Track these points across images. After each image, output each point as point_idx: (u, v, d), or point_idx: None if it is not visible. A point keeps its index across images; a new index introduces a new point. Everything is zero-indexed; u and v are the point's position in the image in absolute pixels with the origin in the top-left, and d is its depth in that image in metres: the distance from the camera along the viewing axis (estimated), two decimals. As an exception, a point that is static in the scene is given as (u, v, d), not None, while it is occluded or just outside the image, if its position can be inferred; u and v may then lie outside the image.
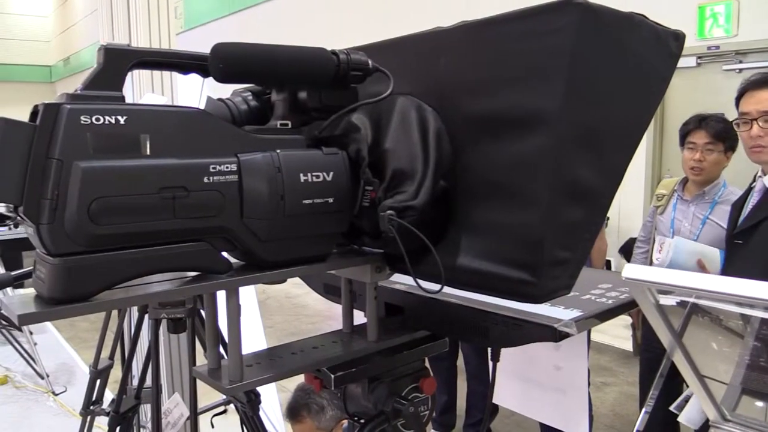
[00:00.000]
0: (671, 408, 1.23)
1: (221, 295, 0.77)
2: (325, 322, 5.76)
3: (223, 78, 0.73)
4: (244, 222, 0.72)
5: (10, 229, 4.44)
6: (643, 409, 1.46)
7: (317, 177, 0.76)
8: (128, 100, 0.69)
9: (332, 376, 0.86)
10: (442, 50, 0.82)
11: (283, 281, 0.80)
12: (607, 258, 3.85)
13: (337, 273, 0.92)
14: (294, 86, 0.81)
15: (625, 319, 3.82)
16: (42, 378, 4.32)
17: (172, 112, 0.70)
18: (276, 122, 0.80)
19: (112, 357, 2.46)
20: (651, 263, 2.75)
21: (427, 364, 0.98)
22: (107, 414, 2.16)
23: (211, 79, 0.76)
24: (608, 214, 0.85)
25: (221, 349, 0.85)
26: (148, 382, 1.98)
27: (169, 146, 0.67)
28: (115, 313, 2.49)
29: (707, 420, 1.07)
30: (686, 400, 1.26)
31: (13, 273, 1.20)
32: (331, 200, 0.78)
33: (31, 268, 0.70)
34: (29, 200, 0.61)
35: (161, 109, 0.69)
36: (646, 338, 2.82)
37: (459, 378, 3.39)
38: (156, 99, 3.09)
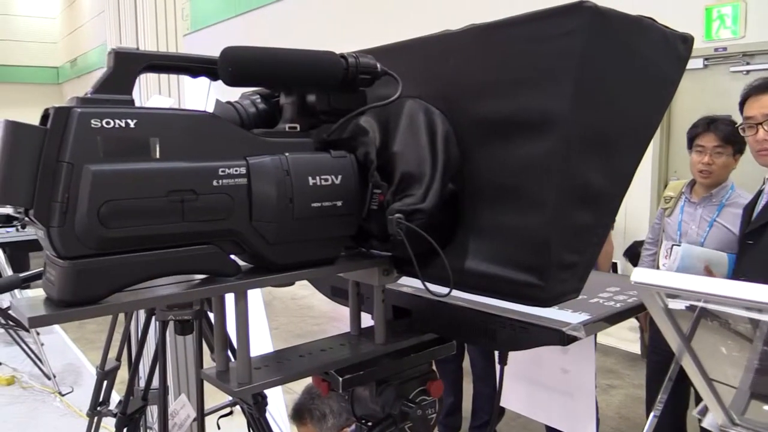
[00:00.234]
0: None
1: (229, 298, 0.77)
2: (331, 323, 5.76)
3: (232, 82, 0.73)
4: (252, 225, 0.72)
5: (17, 230, 4.46)
6: (652, 414, 1.46)
7: (326, 180, 0.76)
8: (135, 101, 0.69)
9: (340, 379, 0.86)
10: (450, 53, 0.82)
11: (292, 284, 0.81)
12: (613, 260, 3.84)
13: (344, 276, 0.92)
14: (303, 89, 0.81)
15: (631, 322, 3.81)
16: (49, 378, 4.34)
17: (182, 116, 0.70)
18: (284, 125, 0.80)
19: (119, 358, 2.47)
20: (658, 266, 2.74)
21: (434, 366, 0.98)
22: (114, 415, 2.17)
23: (219, 81, 0.76)
24: (614, 217, 0.85)
25: (228, 352, 0.85)
26: (155, 383, 1.99)
27: (179, 149, 0.67)
28: (122, 314, 2.49)
29: None
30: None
31: (21, 275, 1.20)
32: (339, 203, 0.78)
33: (40, 269, 0.71)
34: (40, 203, 0.62)
35: (171, 113, 0.69)
36: (653, 341, 2.81)
37: (465, 380, 3.39)
38: (163, 101, 3.10)
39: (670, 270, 2.52)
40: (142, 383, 2.28)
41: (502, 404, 1.29)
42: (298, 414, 2.05)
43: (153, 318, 2.01)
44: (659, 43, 0.80)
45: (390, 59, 0.84)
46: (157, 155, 0.66)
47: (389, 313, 0.97)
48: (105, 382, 2.39)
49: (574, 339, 0.82)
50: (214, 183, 0.69)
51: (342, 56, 0.80)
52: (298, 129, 0.80)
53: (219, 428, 2.26)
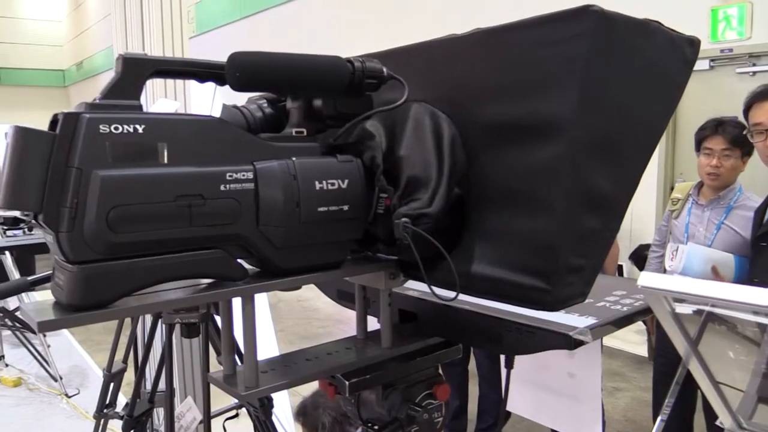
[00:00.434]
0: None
1: (236, 302, 0.78)
2: (336, 325, 5.76)
3: (239, 87, 0.73)
4: (259, 229, 0.73)
5: (24, 232, 4.48)
6: (659, 417, 1.45)
7: (332, 184, 0.77)
8: (142, 105, 0.70)
9: (347, 382, 0.86)
10: (456, 57, 0.82)
11: (298, 288, 0.81)
12: (619, 263, 3.83)
13: (351, 280, 0.92)
14: (309, 94, 0.81)
15: (637, 324, 3.80)
16: (55, 380, 4.36)
17: (189, 121, 0.70)
18: (291, 130, 0.80)
19: (125, 361, 2.48)
20: (665, 269, 2.73)
21: (440, 370, 0.98)
22: (121, 417, 2.18)
23: (225, 85, 0.77)
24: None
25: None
26: (162, 386, 2.00)
27: (187, 154, 0.68)
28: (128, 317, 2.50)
29: None
30: None
31: (30, 278, 1.21)
32: (346, 207, 0.78)
33: (48, 272, 0.71)
34: (49, 208, 0.62)
35: (178, 118, 0.70)
36: (660, 344, 2.80)
37: (470, 382, 3.39)
38: (169, 104, 3.11)
39: (676, 270, 2.51)
40: (149, 386, 2.29)
41: (508, 409, 1.29)
42: (299, 415, 2.06)
43: (160, 321, 2.02)
44: (665, 46, 0.80)
45: (396, 63, 0.85)
46: (165, 160, 0.66)
47: (395, 317, 0.97)
48: (112, 385, 2.40)
49: (581, 343, 0.82)
50: (222, 188, 0.69)
51: (348, 61, 0.80)
52: (305, 133, 0.80)
53: (225, 430, 2.26)
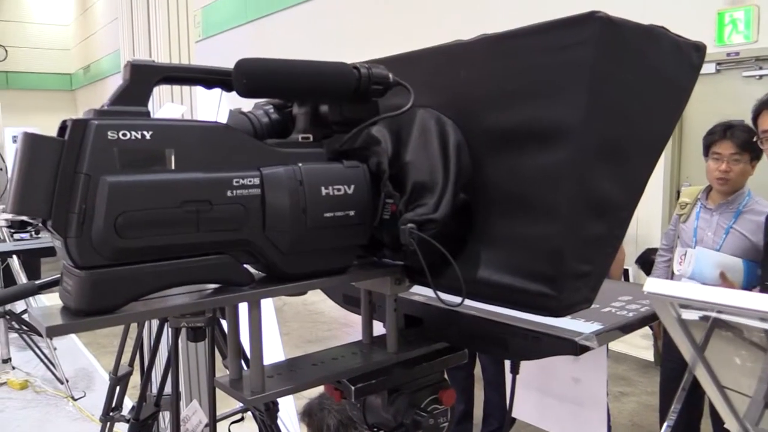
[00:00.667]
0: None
1: (243, 306, 0.78)
2: (342, 329, 5.77)
3: (246, 93, 0.74)
4: (266, 235, 0.73)
5: (31, 236, 4.50)
6: (666, 423, 1.45)
7: (338, 190, 0.77)
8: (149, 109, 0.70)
9: (352, 387, 0.86)
10: (462, 63, 0.82)
11: (304, 293, 0.81)
12: (625, 267, 3.82)
13: (357, 285, 0.92)
14: (316, 100, 0.82)
15: (643, 329, 3.78)
16: (62, 383, 4.37)
17: (196, 127, 0.71)
18: (298, 135, 0.81)
19: (131, 364, 2.49)
20: (672, 273, 2.73)
21: (445, 374, 0.98)
22: (127, 421, 2.19)
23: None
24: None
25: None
26: (168, 389, 2.00)
27: (194, 160, 0.68)
28: (134, 320, 2.51)
29: None
30: None
31: (37, 282, 1.22)
32: (352, 213, 0.78)
33: (55, 276, 0.72)
34: (57, 214, 0.63)
35: (186, 124, 0.70)
36: (667, 348, 2.79)
37: (476, 386, 3.38)
38: (175, 108, 3.12)
39: (685, 274, 2.51)
40: (155, 389, 2.30)
41: (513, 415, 1.29)
42: (304, 415, 2.06)
43: (166, 324, 2.02)
44: (671, 52, 0.80)
45: (401, 69, 0.85)
46: (173, 166, 0.67)
47: (401, 322, 0.97)
48: (118, 388, 2.41)
49: (587, 349, 0.82)
50: (229, 193, 0.70)
51: (354, 67, 0.80)
52: (311, 139, 0.81)
53: (230, 434, 2.27)
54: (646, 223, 4.91)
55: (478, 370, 3.33)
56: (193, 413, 2.05)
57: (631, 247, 4.10)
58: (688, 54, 0.82)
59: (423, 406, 0.91)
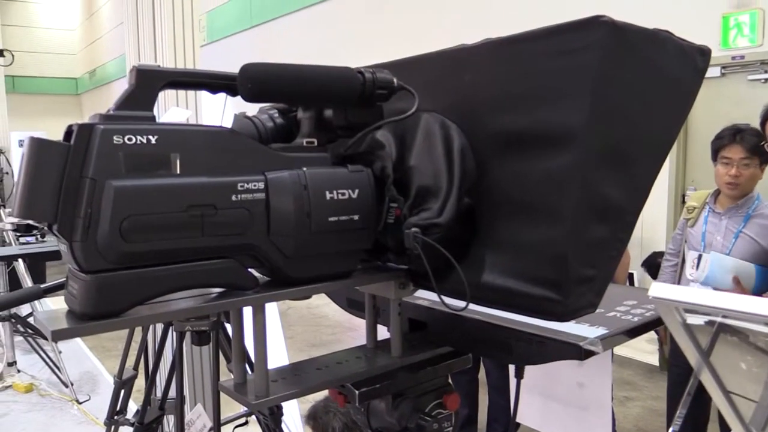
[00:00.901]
0: None
1: (247, 310, 0.78)
2: (346, 333, 5.76)
3: (251, 98, 0.74)
4: (270, 239, 0.73)
5: (37, 240, 4.52)
6: (671, 428, 1.44)
7: (343, 194, 0.77)
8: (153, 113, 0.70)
9: (357, 392, 0.86)
10: (466, 67, 0.83)
11: (309, 297, 0.81)
12: (630, 271, 3.81)
13: (361, 289, 0.92)
14: (320, 105, 0.82)
15: (649, 333, 3.77)
16: (66, 386, 4.38)
17: (201, 132, 0.71)
18: (302, 140, 0.81)
19: (136, 368, 2.49)
20: (680, 277, 2.71)
21: (449, 379, 0.98)
22: (131, 424, 2.19)
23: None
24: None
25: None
26: (172, 393, 2.00)
27: (199, 165, 0.68)
28: (139, 323, 2.52)
29: None
30: None
31: (43, 286, 1.22)
32: (356, 217, 0.78)
33: (61, 280, 0.72)
34: (63, 218, 0.63)
35: (191, 129, 0.71)
36: (673, 352, 2.78)
37: (480, 390, 3.37)
38: (181, 112, 3.13)
39: (698, 280, 2.49)
40: (159, 393, 2.30)
41: (517, 420, 1.28)
42: (309, 418, 2.06)
43: (170, 328, 2.03)
44: (676, 56, 0.80)
45: (405, 73, 0.85)
46: (178, 171, 0.67)
47: (405, 326, 0.97)
48: (122, 391, 2.41)
49: (592, 353, 0.82)
50: (233, 198, 0.70)
51: (359, 72, 0.80)
52: (316, 144, 0.81)
53: (234, 438, 2.27)
54: (651, 226, 4.89)
55: (482, 375, 3.32)
56: (198, 417, 2.05)
57: (636, 251, 4.08)
58: (692, 58, 0.82)
59: (427, 411, 0.91)
